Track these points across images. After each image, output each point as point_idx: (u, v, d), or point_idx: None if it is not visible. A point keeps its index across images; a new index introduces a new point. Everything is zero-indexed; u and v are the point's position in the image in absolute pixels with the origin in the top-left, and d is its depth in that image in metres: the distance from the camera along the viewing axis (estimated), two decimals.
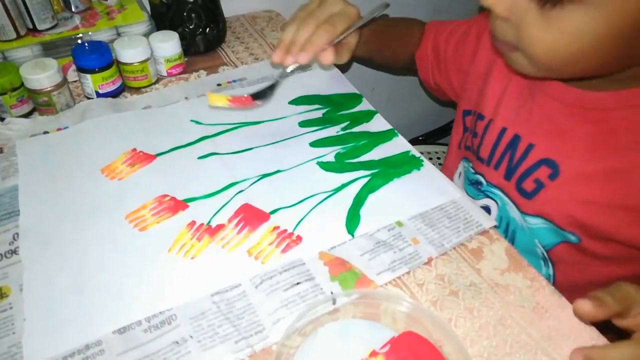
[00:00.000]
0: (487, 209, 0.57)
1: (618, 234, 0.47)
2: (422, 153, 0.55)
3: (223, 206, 0.47)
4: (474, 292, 0.42)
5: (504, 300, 0.42)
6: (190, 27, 0.67)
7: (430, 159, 1.05)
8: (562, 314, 0.41)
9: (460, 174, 0.63)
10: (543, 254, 0.53)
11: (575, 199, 0.48)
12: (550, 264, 0.54)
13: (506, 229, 0.56)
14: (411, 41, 0.68)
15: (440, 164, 0.96)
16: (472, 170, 0.59)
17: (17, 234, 0.45)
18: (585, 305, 0.36)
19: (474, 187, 0.59)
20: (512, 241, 0.55)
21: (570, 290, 0.46)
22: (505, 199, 0.54)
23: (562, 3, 0.37)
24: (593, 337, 0.39)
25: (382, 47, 0.69)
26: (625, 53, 0.40)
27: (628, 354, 0.35)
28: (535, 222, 0.52)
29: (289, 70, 0.54)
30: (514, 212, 0.54)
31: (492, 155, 0.55)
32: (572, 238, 0.50)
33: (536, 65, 0.43)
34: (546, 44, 0.40)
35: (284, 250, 0.44)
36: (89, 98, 0.61)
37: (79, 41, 0.62)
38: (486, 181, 0.56)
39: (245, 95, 0.53)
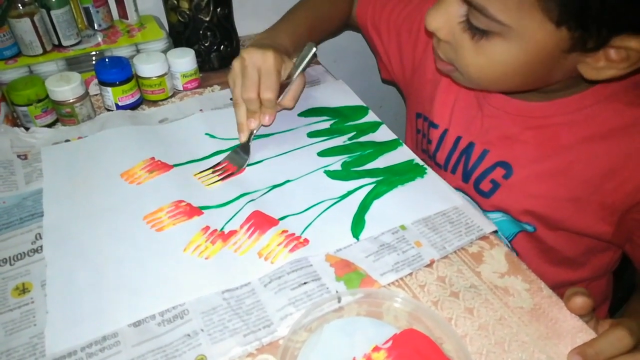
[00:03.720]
0: None
1: (567, 223, 0.53)
2: None
3: (235, 214, 0.50)
4: (474, 294, 0.44)
5: (502, 302, 0.43)
6: (206, 44, 0.71)
7: None
8: (558, 314, 0.42)
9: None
10: (507, 244, 0.59)
11: (527, 194, 0.54)
12: (515, 253, 0.57)
13: None
14: (338, 14, 0.72)
15: None
16: None
17: (39, 234, 0.48)
18: (578, 299, 0.41)
19: None
20: None
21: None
22: (468, 198, 0.59)
23: (488, 36, 0.43)
24: (587, 337, 0.40)
25: (315, 37, 0.69)
26: (540, 76, 0.46)
27: (614, 338, 0.38)
28: (496, 216, 0.57)
29: (255, 131, 0.58)
30: None
31: (447, 161, 0.60)
32: (529, 228, 0.56)
33: (472, 83, 0.50)
34: (477, 67, 0.46)
35: (291, 250, 0.46)
36: (108, 110, 0.64)
37: (100, 57, 0.66)
38: None
39: (226, 161, 0.56)
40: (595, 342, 0.38)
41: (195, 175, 0.55)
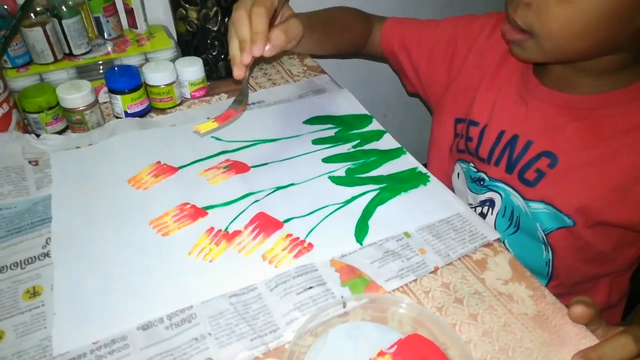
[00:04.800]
0: (491, 202, 0.63)
1: (608, 214, 0.54)
2: None
3: (240, 214, 0.51)
4: (478, 300, 0.44)
5: (506, 308, 0.44)
6: (213, 53, 0.72)
7: None
8: (562, 321, 0.42)
9: (458, 174, 0.69)
10: (543, 238, 0.59)
11: (572, 183, 0.55)
12: (550, 249, 0.60)
13: (511, 216, 0.62)
14: (355, 32, 0.73)
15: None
16: (474, 169, 0.65)
17: (50, 238, 0.48)
18: (578, 308, 0.41)
19: (476, 184, 0.65)
20: (517, 227, 0.62)
21: (566, 274, 0.60)
22: (509, 189, 0.60)
23: None
24: (591, 344, 0.40)
25: (326, 38, 0.69)
26: (615, 33, 0.47)
27: (618, 344, 0.38)
28: (537, 207, 0.58)
29: (248, 72, 0.54)
30: (517, 200, 0.60)
31: (491, 154, 0.62)
32: (568, 221, 0.56)
33: (546, 47, 0.50)
34: (562, 20, 0.47)
35: (296, 256, 0.47)
36: (117, 117, 0.65)
37: (108, 65, 0.67)
38: (489, 177, 0.63)
39: (225, 110, 0.54)
40: (598, 347, 0.39)
41: (200, 174, 0.56)
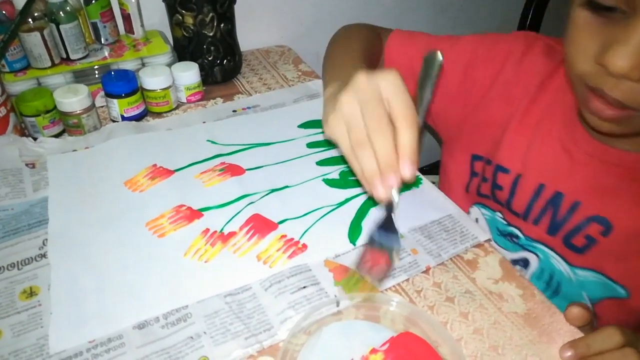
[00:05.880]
0: (524, 262, 0.57)
1: None
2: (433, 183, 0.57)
3: (235, 215, 0.51)
4: (469, 299, 0.45)
5: (497, 307, 0.44)
6: (209, 58, 0.73)
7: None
8: (551, 319, 0.43)
9: (477, 219, 0.61)
10: (589, 307, 0.51)
11: (630, 254, 0.49)
12: (595, 318, 0.52)
13: (549, 280, 0.56)
14: (378, 57, 0.64)
15: None
16: (504, 222, 0.58)
17: (46, 240, 0.49)
18: (574, 310, 0.41)
19: (507, 240, 0.58)
20: (556, 292, 0.55)
21: None
22: (550, 252, 0.54)
23: None
24: None
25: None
26: None
27: (605, 334, 0.38)
28: (585, 275, 0.52)
29: (396, 199, 0.42)
30: (560, 265, 0.54)
31: (529, 210, 0.54)
32: (622, 292, 0.50)
33: None
34: None
35: (290, 256, 0.47)
36: (114, 121, 0.66)
37: (104, 70, 0.68)
38: (524, 235, 0.56)
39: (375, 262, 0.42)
40: (586, 337, 0.40)
41: (196, 176, 0.56)
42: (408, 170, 0.39)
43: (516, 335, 0.42)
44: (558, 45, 0.55)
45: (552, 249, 0.54)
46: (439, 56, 0.44)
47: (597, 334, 0.39)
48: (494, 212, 0.59)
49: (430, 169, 1.28)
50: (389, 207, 0.42)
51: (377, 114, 0.38)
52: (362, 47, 0.59)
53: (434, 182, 0.58)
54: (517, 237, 0.57)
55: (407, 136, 0.38)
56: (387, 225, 0.42)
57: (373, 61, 0.60)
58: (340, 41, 0.63)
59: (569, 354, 0.39)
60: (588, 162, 0.50)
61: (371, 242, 0.42)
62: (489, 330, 0.43)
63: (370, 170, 0.39)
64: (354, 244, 0.49)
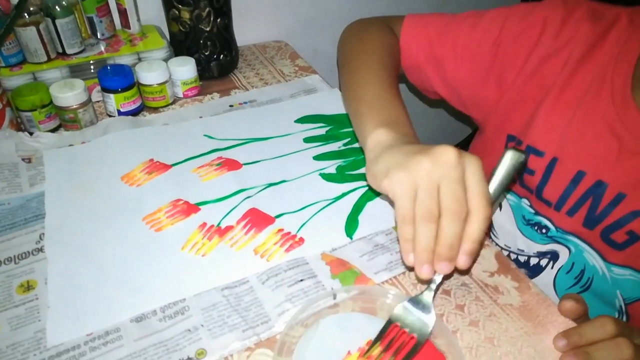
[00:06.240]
0: (553, 255, 0.53)
1: None
2: None
3: (232, 210, 0.51)
4: (465, 292, 0.46)
5: (492, 299, 0.45)
6: (206, 53, 0.73)
7: None
8: (545, 311, 0.44)
9: (500, 205, 0.57)
10: (622, 306, 0.50)
11: None
12: (625, 318, 0.51)
13: (580, 276, 0.52)
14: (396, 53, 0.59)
15: None
16: (531, 210, 0.53)
17: (43, 234, 0.49)
18: (567, 303, 0.41)
19: (534, 230, 0.54)
20: (586, 288, 0.52)
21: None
22: (584, 246, 0.50)
23: None
24: None
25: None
26: None
27: (598, 324, 0.39)
28: (622, 273, 0.48)
29: (438, 280, 0.40)
30: (594, 260, 0.50)
31: (563, 199, 0.49)
32: None
33: None
34: None
35: (287, 250, 0.47)
36: (110, 116, 0.66)
37: (100, 65, 0.67)
38: (555, 226, 0.52)
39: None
40: (579, 327, 0.40)
41: (193, 171, 0.57)
42: (465, 262, 0.37)
43: (511, 327, 0.42)
44: (605, 10, 0.49)
45: (587, 242, 0.49)
46: (522, 157, 0.39)
47: (590, 323, 0.39)
48: (520, 199, 0.54)
49: None
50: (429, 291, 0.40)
51: (458, 196, 0.36)
52: (387, 60, 0.54)
53: None
54: (547, 228, 0.52)
55: (477, 227, 0.36)
56: (420, 301, 0.40)
57: (396, 66, 0.57)
58: (359, 48, 0.57)
59: (562, 343, 0.39)
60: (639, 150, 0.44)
61: (397, 317, 0.40)
62: (485, 322, 0.43)
63: (426, 246, 0.37)
64: (351, 238, 0.49)
